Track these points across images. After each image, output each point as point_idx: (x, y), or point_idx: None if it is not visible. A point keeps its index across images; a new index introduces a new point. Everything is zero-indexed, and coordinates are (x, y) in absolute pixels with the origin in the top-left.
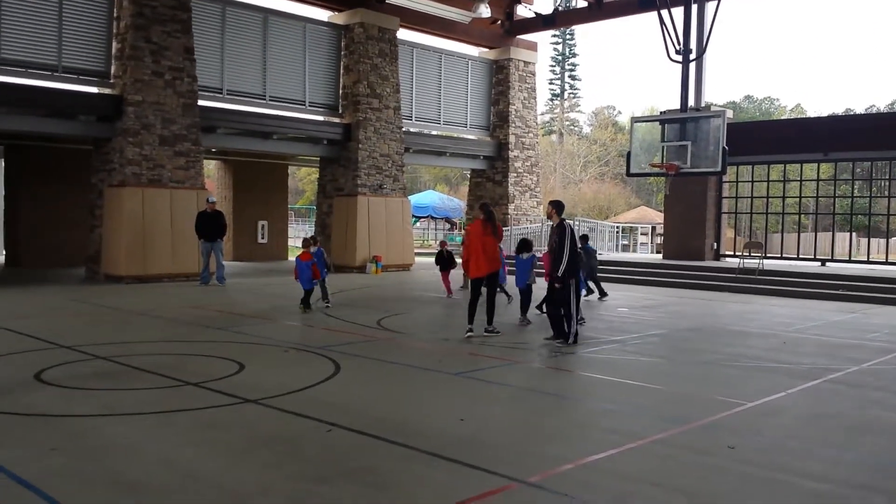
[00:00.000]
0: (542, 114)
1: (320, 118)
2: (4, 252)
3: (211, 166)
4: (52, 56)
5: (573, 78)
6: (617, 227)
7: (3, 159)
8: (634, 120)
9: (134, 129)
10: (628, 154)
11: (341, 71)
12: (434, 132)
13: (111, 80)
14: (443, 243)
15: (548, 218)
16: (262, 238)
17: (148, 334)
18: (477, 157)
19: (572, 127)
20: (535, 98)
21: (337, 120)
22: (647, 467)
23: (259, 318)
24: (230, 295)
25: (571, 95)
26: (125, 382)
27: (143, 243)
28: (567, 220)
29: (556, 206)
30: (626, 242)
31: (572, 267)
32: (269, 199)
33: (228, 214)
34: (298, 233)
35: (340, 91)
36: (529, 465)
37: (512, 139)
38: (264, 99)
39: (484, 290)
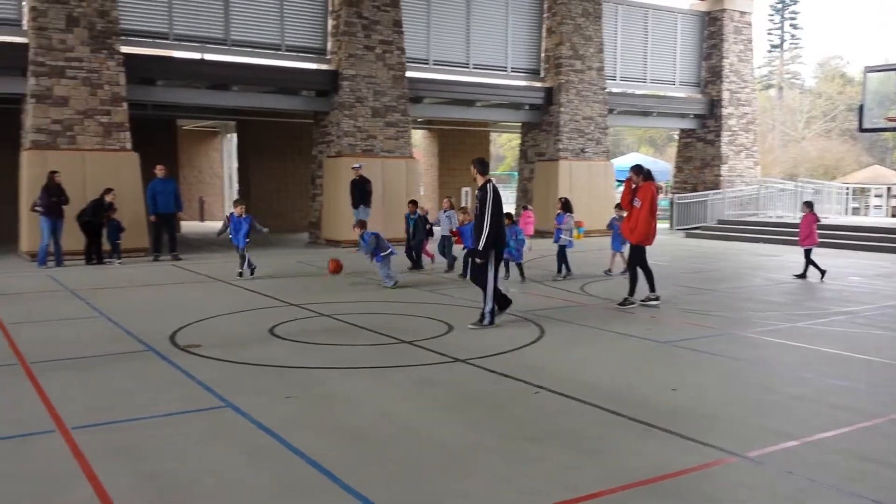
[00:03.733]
0: (760, 67)
1: (522, 83)
2: None
3: (418, 136)
4: (275, 35)
5: (794, 27)
6: (846, 189)
7: (236, 135)
8: (868, 70)
9: (349, 102)
10: (860, 107)
11: (543, 34)
12: (639, 92)
13: (327, 57)
14: (422, 209)
15: (474, 180)
16: (465, 204)
17: (365, 294)
18: (686, 116)
19: (793, 80)
20: (751, 50)
21: (538, 84)
22: (883, 447)
23: (461, 281)
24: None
25: (792, 46)
26: (347, 338)
27: None
28: (492, 181)
29: (479, 165)
30: (856, 205)
31: (494, 239)
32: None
33: (433, 181)
34: None
35: (542, 54)
36: (749, 440)
37: (726, 95)
38: (468, 67)
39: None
